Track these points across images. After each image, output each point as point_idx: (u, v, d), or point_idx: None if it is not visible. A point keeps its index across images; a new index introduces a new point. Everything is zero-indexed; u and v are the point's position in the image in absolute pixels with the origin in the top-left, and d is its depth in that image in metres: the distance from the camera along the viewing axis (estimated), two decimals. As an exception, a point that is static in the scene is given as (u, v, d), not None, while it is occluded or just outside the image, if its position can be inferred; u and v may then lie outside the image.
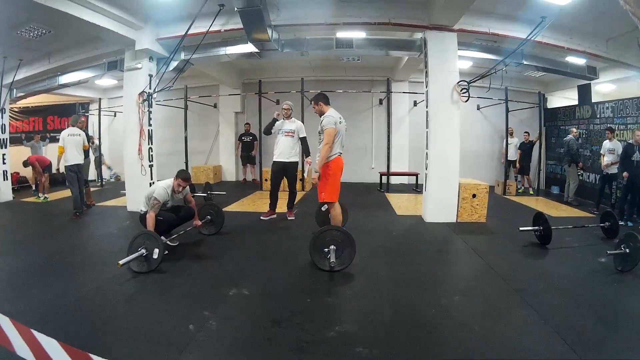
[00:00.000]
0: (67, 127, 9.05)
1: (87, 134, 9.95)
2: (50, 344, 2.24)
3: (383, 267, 5.35)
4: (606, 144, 9.10)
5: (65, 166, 8.59)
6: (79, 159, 8.74)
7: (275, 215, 8.26)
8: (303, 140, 8.01)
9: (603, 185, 9.40)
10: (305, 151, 8.00)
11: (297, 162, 8.17)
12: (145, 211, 5.90)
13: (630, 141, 8.30)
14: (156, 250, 5.04)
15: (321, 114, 5.85)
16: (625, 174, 8.05)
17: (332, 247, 5.09)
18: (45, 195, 10.80)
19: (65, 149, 8.54)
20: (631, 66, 9.30)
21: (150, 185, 6.04)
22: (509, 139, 12.52)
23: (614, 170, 8.91)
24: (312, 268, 5.18)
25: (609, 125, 9.59)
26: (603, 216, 6.88)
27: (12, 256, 5.81)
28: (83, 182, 9.02)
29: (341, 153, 5.82)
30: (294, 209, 8.43)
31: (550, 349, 3.25)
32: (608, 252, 5.24)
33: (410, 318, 3.87)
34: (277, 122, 7.96)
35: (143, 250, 5.02)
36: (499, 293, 4.50)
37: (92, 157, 12.51)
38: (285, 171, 8.01)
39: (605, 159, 9.06)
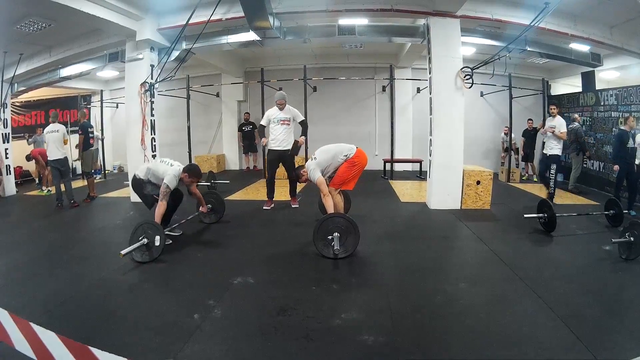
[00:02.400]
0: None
1: (89, 125, 9.99)
2: (49, 337, 2.24)
3: (388, 255, 5.35)
4: (548, 120, 8.70)
5: (48, 160, 8.86)
6: (58, 154, 8.84)
7: (273, 205, 8.22)
8: (303, 124, 8.10)
9: (545, 168, 8.77)
10: (304, 133, 8.08)
11: None
12: (140, 177, 5.89)
13: (623, 127, 8.22)
14: (157, 238, 5.05)
15: (306, 180, 6.18)
16: (615, 167, 7.95)
17: (335, 234, 5.09)
18: (49, 188, 10.83)
19: (47, 145, 8.81)
20: (635, 53, 9.20)
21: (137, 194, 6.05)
22: (502, 135, 12.68)
23: (556, 151, 8.50)
24: (317, 256, 5.18)
25: (552, 101, 8.98)
26: (607, 204, 6.84)
27: (17, 250, 5.82)
28: (69, 176, 9.16)
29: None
30: (297, 196, 8.43)
31: (556, 337, 3.25)
32: (613, 240, 5.21)
33: (416, 305, 3.88)
34: (272, 111, 7.98)
35: (145, 240, 5.03)
36: (505, 280, 4.48)
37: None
38: (282, 159, 8.01)
39: (548, 135, 8.67)
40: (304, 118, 8.14)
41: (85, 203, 9.20)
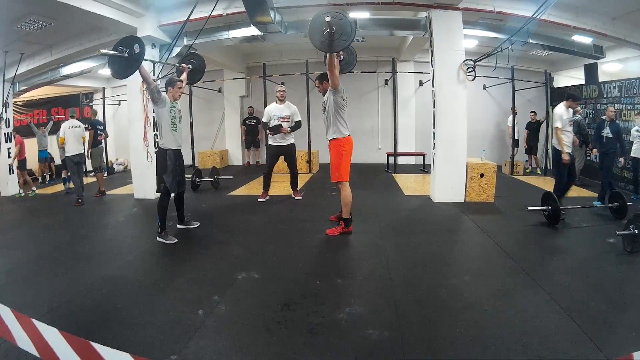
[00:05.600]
0: (68, 119, 9.24)
1: (99, 122, 10.10)
2: (50, 333, 2.24)
3: (392, 248, 5.35)
4: (566, 113, 6.89)
5: (67, 156, 8.86)
6: (78, 149, 8.97)
7: (268, 197, 8.39)
8: (298, 123, 8.22)
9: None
10: (293, 128, 8.16)
11: (294, 143, 8.35)
12: (162, 147, 5.90)
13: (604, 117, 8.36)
14: (136, 45, 5.24)
15: (325, 92, 5.90)
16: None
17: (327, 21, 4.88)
18: (27, 192, 10.72)
19: (67, 140, 8.78)
20: (638, 45, 9.12)
21: (157, 172, 6.09)
22: (510, 117, 12.50)
23: None
24: (321, 250, 5.24)
25: (570, 93, 7.92)
26: (611, 196, 6.80)
27: (21, 248, 5.85)
28: (82, 172, 9.22)
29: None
30: (300, 191, 8.59)
31: (561, 330, 3.24)
32: (617, 232, 5.18)
33: (421, 299, 3.88)
34: (271, 107, 8.25)
35: (121, 47, 5.38)
36: (509, 273, 4.48)
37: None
38: (283, 154, 8.26)
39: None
40: (300, 119, 8.33)
41: (95, 197, 9.36)
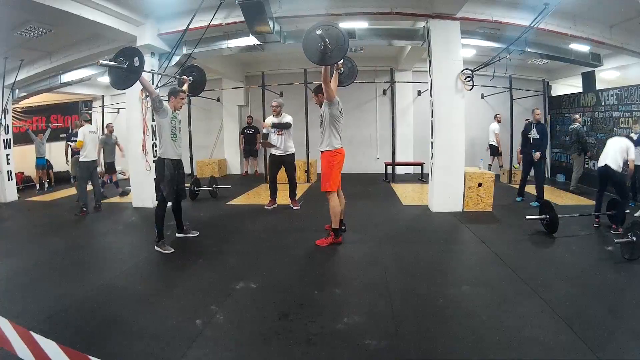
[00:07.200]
0: (83, 124, 9.12)
1: None
2: (49, 346, 2.24)
3: (390, 258, 5.33)
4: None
5: (82, 161, 8.73)
6: (95, 155, 8.97)
7: (276, 205, 8.53)
8: (284, 124, 8.28)
9: None
10: (283, 127, 8.29)
11: (293, 153, 8.48)
12: (162, 157, 5.87)
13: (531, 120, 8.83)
14: (136, 59, 5.11)
15: (321, 104, 5.90)
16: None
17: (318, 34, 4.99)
18: None
19: (85, 145, 8.67)
20: (635, 53, 9.18)
21: (156, 180, 6.09)
22: (494, 125, 12.77)
23: None
24: (319, 260, 5.22)
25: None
26: (609, 204, 6.80)
27: (19, 256, 5.82)
28: (97, 178, 9.18)
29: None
30: (298, 200, 8.68)
31: (559, 338, 3.24)
32: (615, 240, 5.20)
33: (419, 308, 3.87)
34: (269, 120, 8.44)
35: (121, 59, 5.14)
36: (507, 282, 4.47)
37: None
38: (283, 163, 8.41)
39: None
40: (287, 121, 8.30)
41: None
